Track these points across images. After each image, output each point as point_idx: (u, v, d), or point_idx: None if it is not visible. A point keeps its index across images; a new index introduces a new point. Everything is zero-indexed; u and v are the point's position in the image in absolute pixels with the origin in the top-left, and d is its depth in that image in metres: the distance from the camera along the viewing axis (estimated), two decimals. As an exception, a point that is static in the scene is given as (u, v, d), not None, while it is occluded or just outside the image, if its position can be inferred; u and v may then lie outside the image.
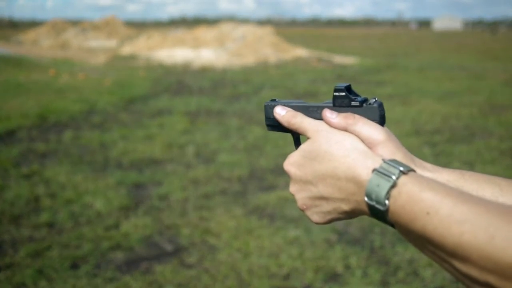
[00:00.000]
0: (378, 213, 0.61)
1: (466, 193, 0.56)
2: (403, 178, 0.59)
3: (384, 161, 0.63)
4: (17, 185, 4.49)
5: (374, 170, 0.62)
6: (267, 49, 18.28)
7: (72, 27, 28.83)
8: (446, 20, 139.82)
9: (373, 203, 0.61)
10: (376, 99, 0.74)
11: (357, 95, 0.75)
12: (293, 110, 0.76)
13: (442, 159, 5.45)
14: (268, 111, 0.80)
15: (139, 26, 51.57)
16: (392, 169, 0.60)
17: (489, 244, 0.49)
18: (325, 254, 3.23)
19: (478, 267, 0.50)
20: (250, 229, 3.60)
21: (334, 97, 0.75)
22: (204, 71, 14.54)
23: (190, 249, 3.32)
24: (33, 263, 3.10)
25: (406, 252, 3.30)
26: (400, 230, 0.60)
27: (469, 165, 5.22)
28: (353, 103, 0.74)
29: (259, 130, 6.46)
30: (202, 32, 20.83)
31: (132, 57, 18.30)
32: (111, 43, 24.80)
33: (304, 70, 14.67)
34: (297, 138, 0.80)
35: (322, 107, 0.75)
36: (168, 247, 3.37)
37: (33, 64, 15.93)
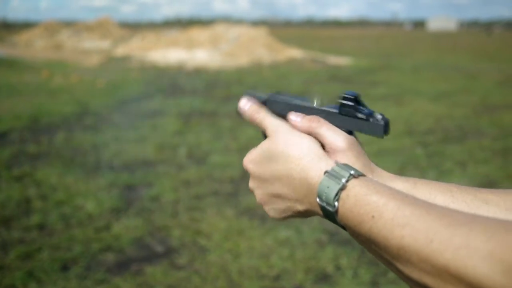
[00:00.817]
0: (329, 215, 0.62)
1: (411, 196, 0.57)
2: (352, 181, 0.60)
3: (336, 164, 0.63)
4: (8, 187, 4.47)
5: (326, 172, 0.63)
6: (261, 50, 18.28)
7: (66, 28, 28.75)
8: (441, 21, 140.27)
9: (324, 204, 0.62)
10: (383, 116, 0.72)
11: (365, 107, 0.73)
12: (257, 105, 0.77)
13: (434, 159, 5.46)
14: (272, 104, 0.79)
15: (134, 27, 51.51)
16: (343, 172, 0.61)
17: (427, 247, 0.49)
18: (315, 255, 3.23)
19: (418, 270, 0.51)
20: (241, 230, 3.59)
21: (341, 105, 0.72)
22: (198, 72, 14.53)
23: (181, 250, 3.31)
24: (23, 265, 3.08)
25: (397, 252, 3.30)
26: (350, 232, 0.61)
27: (462, 165, 5.23)
28: (359, 115, 0.71)
29: (251, 131, 6.45)
30: (196, 33, 20.82)
31: (125, 58, 18.26)
32: (105, 44, 24.74)
33: (298, 71, 14.68)
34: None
35: (325, 112, 0.73)
36: (159, 249, 3.36)
37: (26, 66, 15.88)
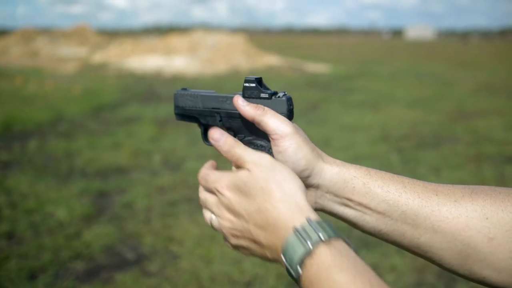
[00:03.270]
0: (291, 277, 0.58)
1: (377, 279, 0.54)
2: (320, 248, 0.56)
3: (308, 220, 0.59)
4: (-23, 195, 4.37)
5: (294, 229, 0.58)
6: (239, 57, 18.30)
7: (43, 35, 28.39)
8: (418, 29, 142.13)
9: (287, 265, 0.58)
10: (286, 93, 0.75)
11: (268, 89, 0.75)
12: (232, 139, 0.70)
13: (409, 165, 5.50)
14: (178, 99, 0.83)
15: (112, 34, 51.13)
16: (312, 233, 0.57)
17: None
18: (288, 260, 3.20)
19: None
20: (214, 236, 3.56)
21: (244, 88, 0.75)
22: (176, 79, 14.46)
23: (152, 257, 3.27)
24: (-11, 274, 3.01)
25: (370, 258, 3.30)
26: None
27: (436, 171, 5.27)
28: (262, 95, 0.74)
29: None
30: (174, 40, 20.75)
31: (103, 65, 18.11)
32: (82, 51, 24.49)
33: (276, 78, 14.71)
34: (205, 130, 0.80)
35: (232, 97, 0.76)
36: (130, 256, 3.31)
37: (0, 73, 15.63)
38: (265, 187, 0.63)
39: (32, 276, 3.01)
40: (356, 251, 0.58)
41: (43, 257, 3.24)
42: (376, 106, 9.65)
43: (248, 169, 0.65)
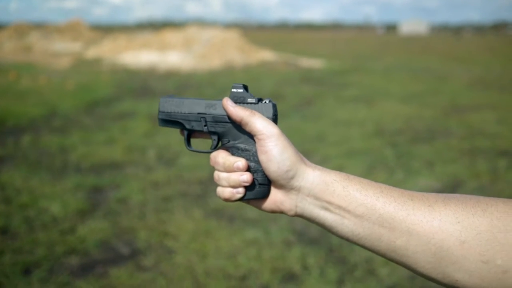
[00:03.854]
0: None
1: None
2: None
3: None
4: (-30, 190, 4.35)
5: None
6: (233, 52, 18.26)
7: (36, 30, 28.22)
8: (412, 24, 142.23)
9: None
10: (271, 100, 0.80)
11: (253, 96, 0.80)
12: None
13: (403, 160, 5.51)
14: (163, 105, 0.85)
15: (106, 29, 50.86)
16: None
17: None
18: (282, 255, 3.21)
19: None
20: (209, 230, 3.56)
21: (232, 93, 0.80)
22: (170, 74, 14.43)
23: (147, 252, 3.27)
24: (-17, 269, 3.00)
25: (364, 251, 3.31)
26: None
27: (430, 165, 5.29)
28: (249, 100, 0.79)
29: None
30: (169, 35, 20.68)
31: (97, 61, 18.04)
32: (76, 46, 24.37)
33: (270, 73, 14.69)
34: (189, 136, 0.85)
35: (218, 103, 0.81)
36: (125, 251, 3.31)
37: (-6, 68, 15.54)
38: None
39: (27, 271, 3.01)
40: None
41: (38, 252, 3.23)
42: (370, 101, 9.66)
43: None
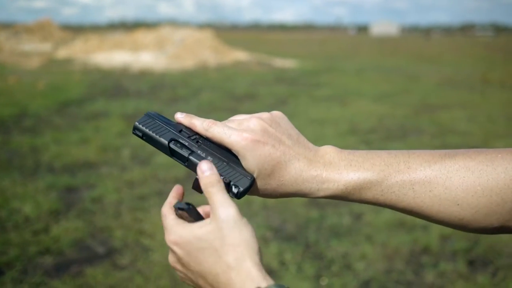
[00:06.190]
0: None
1: None
2: None
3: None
4: None
5: None
6: (206, 52, 18.22)
7: (4, 30, 27.70)
8: (383, 26, 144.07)
9: None
10: None
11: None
12: (217, 177, 0.67)
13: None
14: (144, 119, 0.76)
15: (76, 29, 50.17)
16: None
17: None
18: (260, 251, 3.22)
19: None
20: (185, 228, 3.54)
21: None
22: (143, 74, 14.31)
23: (123, 251, 3.24)
24: (-46, 271, 2.93)
25: (340, 247, 3.34)
26: None
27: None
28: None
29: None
30: (141, 36, 20.52)
31: (68, 61, 17.78)
32: (46, 46, 23.96)
33: (244, 73, 14.70)
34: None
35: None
36: (100, 250, 3.27)
37: (-39, 68, 15.19)
38: (218, 249, 0.61)
39: (-1, 272, 2.95)
40: None
41: (10, 252, 3.17)
42: (343, 101, 9.75)
43: (210, 218, 0.64)
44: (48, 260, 3.11)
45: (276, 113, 0.76)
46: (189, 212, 0.66)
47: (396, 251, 3.30)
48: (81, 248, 3.29)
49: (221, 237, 0.61)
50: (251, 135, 0.70)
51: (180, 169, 4.87)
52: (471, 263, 3.15)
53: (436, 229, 3.52)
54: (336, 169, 0.71)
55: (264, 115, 0.74)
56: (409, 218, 3.75)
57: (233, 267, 0.59)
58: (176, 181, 4.62)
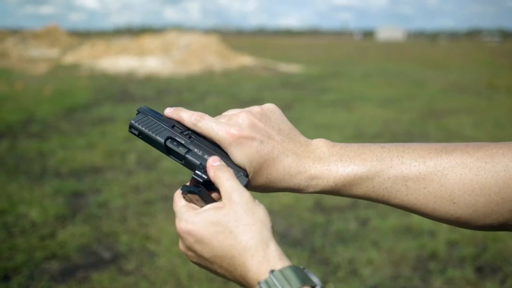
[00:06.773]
0: None
1: None
2: None
3: (271, 275, 0.57)
4: None
5: (259, 284, 0.57)
6: (212, 57, 18.26)
7: (12, 36, 27.86)
8: (389, 31, 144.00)
9: None
10: None
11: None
12: (220, 161, 0.69)
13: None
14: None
15: (83, 35, 50.48)
16: (294, 281, 0.55)
17: None
18: (266, 256, 3.21)
19: None
20: (191, 234, 3.54)
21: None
22: (149, 79, 14.35)
23: (129, 256, 3.24)
24: (-39, 276, 2.94)
25: (346, 252, 3.33)
26: None
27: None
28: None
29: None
30: (147, 41, 20.59)
31: (74, 66, 17.86)
32: (53, 52, 24.10)
33: (250, 78, 14.72)
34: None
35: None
36: (106, 255, 3.27)
37: (-31, 74, 15.28)
38: (233, 231, 0.61)
39: (6, 277, 2.96)
40: None
41: (17, 258, 3.18)
42: (349, 105, 9.74)
43: (222, 202, 0.64)
44: (54, 266, 3.11)
45: (268, 106, 0.75)
46: (201, 194, 0.66)
47: (402, 257, 3.28)
48: (87, 253, 3.29)
49: (236, 219, 0.61)
50: (237, 131, 0.69)
51: (186, 174, 4.87)
52: (479, 269, 3.13)
53: (444, 234, 3.50)
54: (326, 164, 0.71)
55: (255, 109, 0.73)
56: (416, 223, 3.73)
57: (249, 248, 0.59)
58: (182, 186, 4.61)
